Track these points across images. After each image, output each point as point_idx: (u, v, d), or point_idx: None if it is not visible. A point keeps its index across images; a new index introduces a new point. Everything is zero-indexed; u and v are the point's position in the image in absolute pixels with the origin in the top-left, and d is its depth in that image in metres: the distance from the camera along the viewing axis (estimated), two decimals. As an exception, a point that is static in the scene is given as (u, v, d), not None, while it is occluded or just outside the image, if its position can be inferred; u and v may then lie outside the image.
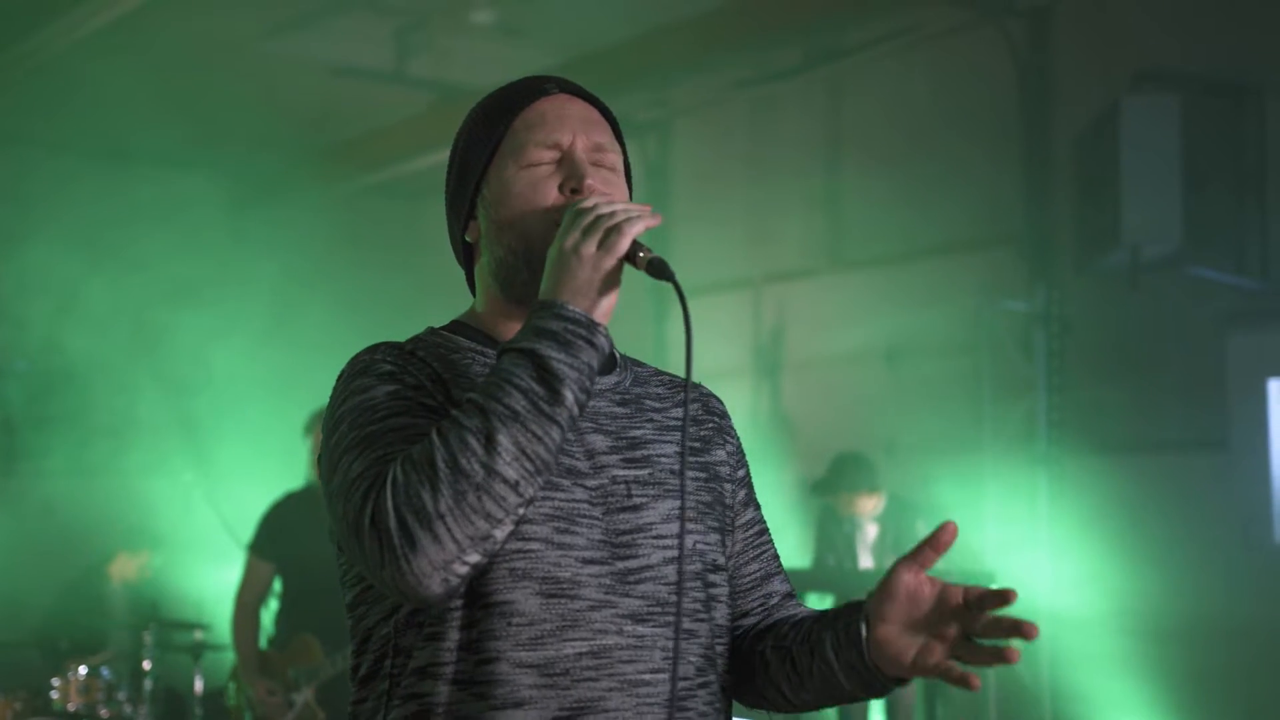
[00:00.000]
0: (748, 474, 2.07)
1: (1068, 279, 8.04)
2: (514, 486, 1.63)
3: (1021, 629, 1.67)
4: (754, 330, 10.01)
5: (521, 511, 1.67)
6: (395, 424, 1.74)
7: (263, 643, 6.18)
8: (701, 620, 1.86)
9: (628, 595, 1.78)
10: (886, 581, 1.78)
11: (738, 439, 2.07)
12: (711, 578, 1.90)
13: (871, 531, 7.40)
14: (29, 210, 9.22)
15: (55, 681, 6.45)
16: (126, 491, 8.45)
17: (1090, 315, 7.99)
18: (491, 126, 1.92)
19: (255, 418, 8.11)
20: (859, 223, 9.36)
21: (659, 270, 1.77)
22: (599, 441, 1.85)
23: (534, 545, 1.74)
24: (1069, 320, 8.04)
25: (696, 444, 1.98)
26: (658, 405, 1.97)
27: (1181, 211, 7.10)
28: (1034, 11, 8.40)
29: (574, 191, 1.85)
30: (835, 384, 9.26)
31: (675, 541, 1.83)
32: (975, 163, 8.56)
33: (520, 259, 1.86)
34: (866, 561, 7.36)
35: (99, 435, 8.99)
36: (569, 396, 1.67)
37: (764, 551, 2.05)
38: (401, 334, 1.97)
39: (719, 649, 1.90)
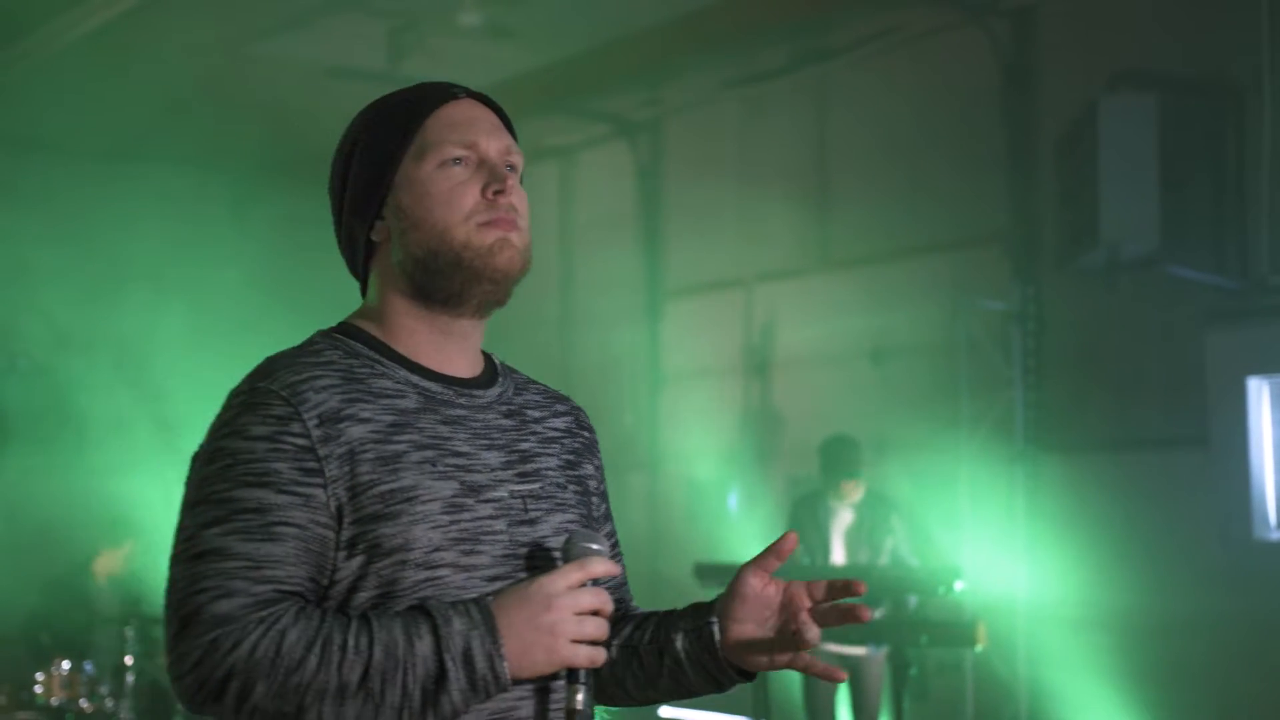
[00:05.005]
0: (606, 488, 2.13)
1: (1047, 278, 8.08)
2: None
3: (854, 612, 1.84)
4: (745, 329, 10.06)
5: None
6: (253, 499, 1.75)
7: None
8: None
9: None
10: (735, 585, 1.90)
11: (600, 456, 2.12)
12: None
13: (847, 519, 7.44)
14: (9, 208, 9.30)
15: (39, 676, 6.53)
16: (108, 489, 8.51)
17: (1068, 314, 8.03)
18: (402, 127, 1.92)
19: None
20: (846, 222, 9.41)
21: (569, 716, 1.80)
22: (493, 457, 1.88)
23: (442, 571, 1.78)
24: (1046, 319, 8.08)
25: (571, 456, 2.01)
26: (537, 415, 2.00)
27: (1159, 211, 7.12)
28: (1017, 12, 8.44)
29: (496, 193, 1.87)
30: (822, 382, 9.31)
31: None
32: (959, 162, 8.60)
33: (437, 258, 1.86)
34: (839, 549, 7.39)
35: (79, 433, 9.07)
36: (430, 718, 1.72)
37: (620, 561, 2.13)
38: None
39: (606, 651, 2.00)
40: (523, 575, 1.82)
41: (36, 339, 9.43)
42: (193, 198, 10.06)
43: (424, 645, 1.70)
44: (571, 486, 1.97)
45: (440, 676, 1.70)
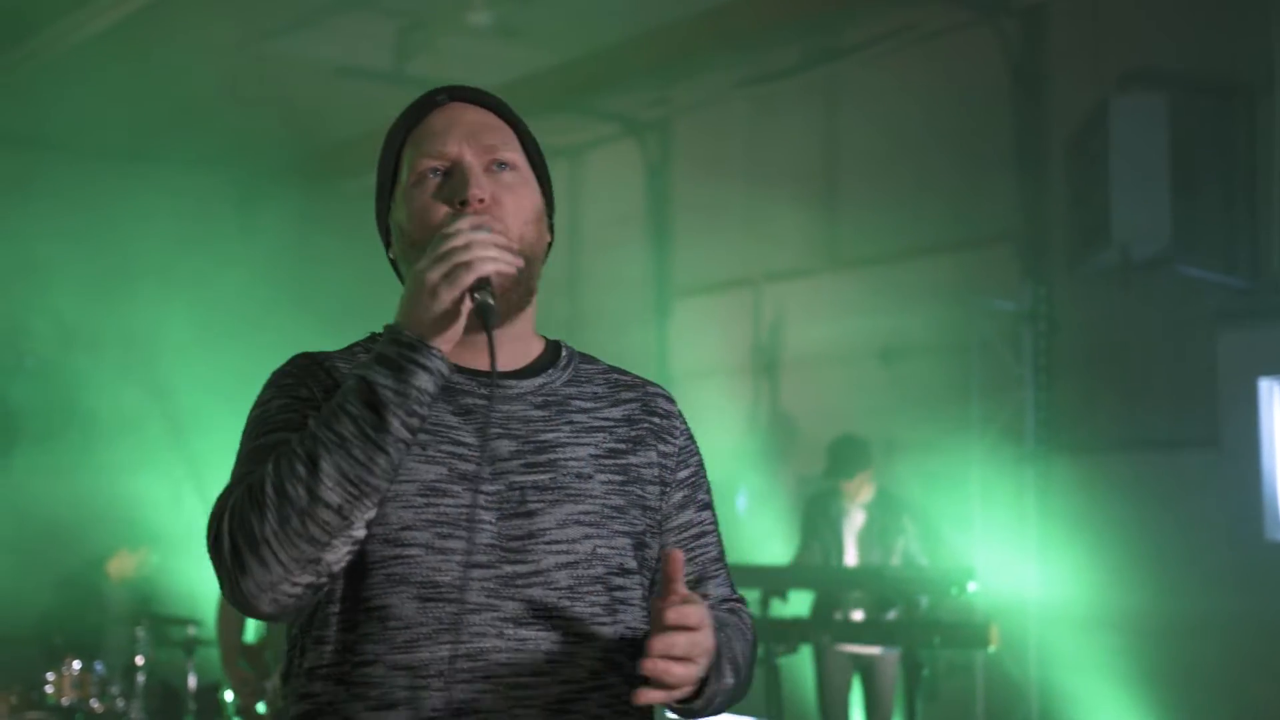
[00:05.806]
0: (694, 474, 2.02)
1: (1058, 278, 8.06)
2: (337, 510, 1.69)
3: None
4: (753, 328, 10.05)
5: (353, 534, 1.73)
6: (272, 439, 1.80)
7: (251, 636, 6.27)
8: (602, 624, 1.84)
9: (512, 599, 1.79)
10: (651, 610, 1.79)
11: (685, 440, 2.02)
12: (616, 581, 1.87)
13: (859, 519, 7.44)
14: (13, 207, 9.32)
15: (49, 676, 6.53)
16: (118, 488, 8.52)
17: (1079, 314, 8.01)
18: (391, 147, 1.94)
19: (241, 414, 8.18)
20: (856, 222, 9.39)
21: (483, 314, 1.77)
22: (503, 446, 1.85)
23: (413, 550, 1.77)
24: (1056, 319, 8.07)
25: (622, 445, 1.94)
26: (588, 405, 1.95)
27: (1171, 211, 7.11)
28: (1028, 11, 8.42)
29: (462, 204, 1.84)
30: (831, 382, 9.29)
31: (570, 546, 1.84)
32: (969, 162, 8.58)
33: None
34: (852, 549, 7.40)
35: (87, 431, 9.08)
36: (394, 422, 1.70)
37: (702, 554, 2.01)
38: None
39: (629, 651, 1.86)
40: (508, 567, 1.80)
41: (44, 337, 9.44)
42: (201, 196, 10.07)
43: (347, 383, 1.75)
44: (603, 475, 1.90)
45: (369, 389, 1.71)
